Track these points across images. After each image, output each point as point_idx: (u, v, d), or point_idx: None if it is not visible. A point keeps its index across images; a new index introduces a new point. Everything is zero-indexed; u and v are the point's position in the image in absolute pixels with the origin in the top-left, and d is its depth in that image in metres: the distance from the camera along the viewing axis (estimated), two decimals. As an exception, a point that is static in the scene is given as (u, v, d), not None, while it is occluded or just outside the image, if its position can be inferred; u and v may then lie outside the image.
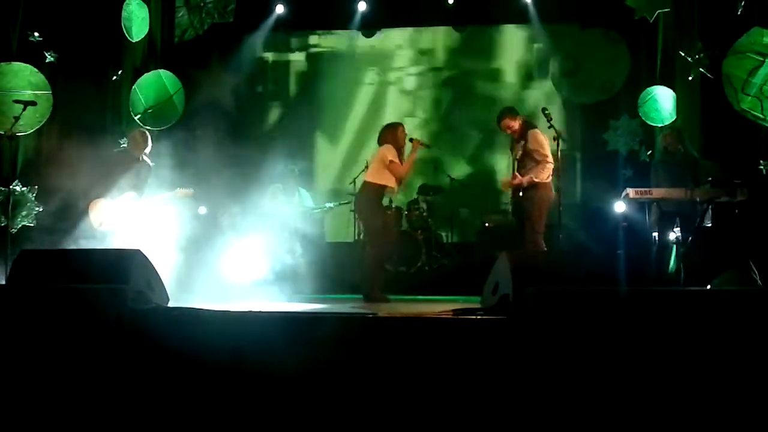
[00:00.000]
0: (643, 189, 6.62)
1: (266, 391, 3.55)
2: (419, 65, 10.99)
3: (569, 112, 10.25)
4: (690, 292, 4.31)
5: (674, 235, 6.78)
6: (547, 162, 6.32)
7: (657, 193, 6.57)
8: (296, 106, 11.17)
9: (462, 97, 10.81)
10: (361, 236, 7.29)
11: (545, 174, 6.31)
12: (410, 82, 10.98)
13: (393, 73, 11.02)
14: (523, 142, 6.39)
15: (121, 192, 6.83)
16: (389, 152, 6.43)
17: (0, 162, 7.47)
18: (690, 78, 7.85)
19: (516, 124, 6.52)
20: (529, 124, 6.55)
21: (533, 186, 6.31)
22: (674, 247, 6.82)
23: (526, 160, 6.35)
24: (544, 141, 6.40)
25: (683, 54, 7.90)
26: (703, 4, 7.78)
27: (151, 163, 7.13)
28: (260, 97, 11.22)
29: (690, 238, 6.51)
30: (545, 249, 6.21)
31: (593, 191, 9.11)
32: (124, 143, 8.28)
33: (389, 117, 10.80)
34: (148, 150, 7.11)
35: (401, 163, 6.46)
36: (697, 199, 6.47)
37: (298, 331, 3.81)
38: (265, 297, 6.47)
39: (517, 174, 6.35)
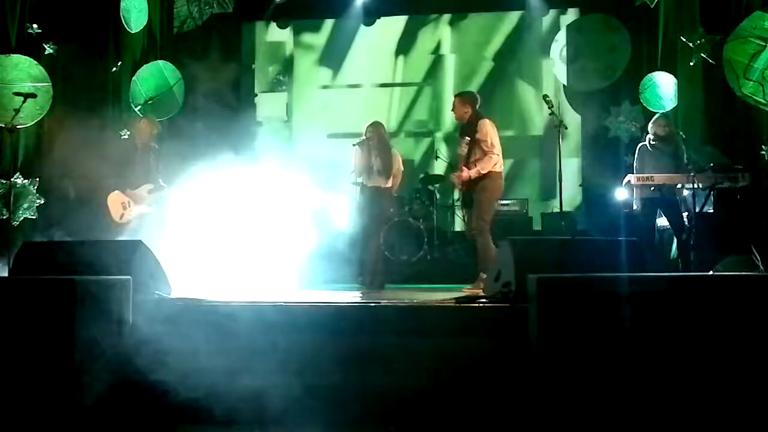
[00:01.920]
0: (644, 175, 6.61)
1: (269, 380, 3.56)
2: (419, 53, 10.95)
3: (570, 98, 10.23)
4: (692, 277, 4.31)
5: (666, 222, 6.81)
6: (493, 153, 6.08)
7: (658, 179, 6.56)
8: (297, 95, 11.15)
9: (462, 84, 10.77)
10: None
11: (490, 165, 6.08)
12: (410, 70, 10.94)
13: (392, 60, 10.98)
14: (473, 132, 6.17)
15: (137, 183, 6.77)
16: None
17: (1, 154, 7.48)
18: (691, 63, 7.83)
19: (468, 112, 6.27)
20: (479, 114, 6.30)
21: (485, 176, 6.09)
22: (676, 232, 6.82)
23: (475, 150, 6.13)
24: (491, 131, 6.15)
25: (684, 39, 7.87)
26: (704, -12, 7.77)
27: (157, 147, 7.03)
28: (260, 86, 11.19)
29: (689, 224, 6.51)
30: (491, 239, 6.09)
31: (594, 178, 9.09)
32: (124, 134, 8.28)
33: (389, 105, 10.84)
34: (154, 136, 7.03)
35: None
36: (699, 185, 6.46)
37: (301, 321, 3.82)
38: (267, 286, 6.48)
39: (464, 168, 6.15)
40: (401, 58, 10.97)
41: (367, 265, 6.84)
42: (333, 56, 11.07)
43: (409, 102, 10.87)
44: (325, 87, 11.04)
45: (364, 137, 6.74)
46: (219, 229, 7.60)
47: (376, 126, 6.80)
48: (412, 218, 9.02)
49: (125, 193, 6.70)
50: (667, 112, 8.09)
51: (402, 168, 7.24)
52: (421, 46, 10.96)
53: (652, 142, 6.88)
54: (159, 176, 6.90)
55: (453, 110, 6.42)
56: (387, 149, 6.78)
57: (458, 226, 9.90)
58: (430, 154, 10.39)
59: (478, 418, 3.47)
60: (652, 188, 6.63)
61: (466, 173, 6.11)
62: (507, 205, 9.17)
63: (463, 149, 6.23)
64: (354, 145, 6.86)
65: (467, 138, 6.20)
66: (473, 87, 10.68)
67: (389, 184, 6.81)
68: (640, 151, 6.95)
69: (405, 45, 10.98)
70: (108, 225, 6.64)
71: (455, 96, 6.52)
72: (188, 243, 6.45)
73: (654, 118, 7.11)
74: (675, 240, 6.90)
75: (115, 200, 6.68)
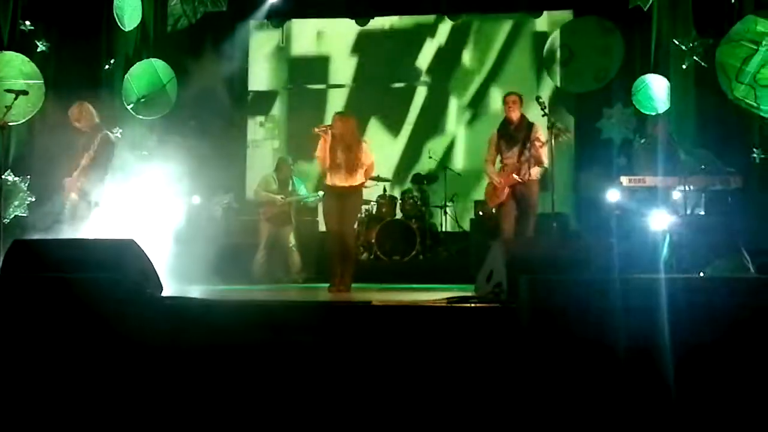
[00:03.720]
0: (636, 177, 6.63)
1: (261, 379, 3.55)
2: (412, 53, 10.95)
3: (563, 100, 10.24)
4: (683, 279, 4.33)
5: (663, 222, 6.81)
6: (545, 156, 6.35)
7: (650, 181, 6.58)
8: (289, 94, 11.13)
9: (455, 85, 10.79)
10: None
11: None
12: (403, 71, 10.93)
13: (386, 60, 10.97)
14: (526, 133, 6.33)
15: (80, 171, 6.43)
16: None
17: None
18: (684, 66, 7.86)
19: (520, 113, 6.45)
20: (525, 116, 6.52)
21: (535, 181, 6.35)
22: (667, 234, 6.84)
23: (528, 152, 6.29)
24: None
25: (677, 42, 7.90)
26: (697, -8, 7.80)
27: (107, 134, 6.63)
28: (252, 85, 11.17)
29: (682, 226, 6.54)
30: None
31: (587, 180, 9.11)
32: (116, 132, 8.25)
33: (382, 105, 10.83)
34: (92, 122, 6.59)
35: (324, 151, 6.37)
36: (691, 187, 6.49)
37: (291, 319, 3.82)
38: (258, 285, 6.49)
39: (518, 170, 6.29)
40: (394, 57, 10.95)
41: (332, 266, 6.46)
42: (326, 55, 11.05)
43: (402, 102, 10.87)
44: (317, 86, 11.03)
45: (326, 126, 6.36)
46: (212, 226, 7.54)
47: (343, 119, 6.43)
48: (404, 218, 9.02)
49: (70, 179, 6.46)
50: (662, 114, 8.12)
51: (373, 161, 6.55)
52: (415, 46, 10.94)
53: (648, 144, 6.92)
54: (108, 163, 6.51)
55: (512, 109, 6.38)
56: (355, 144, 6.34)
57: (450, 225, 9.91)
58: (423, 153, 10.38)
59: (469, 417, 3.47)
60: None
61: (536, 170, 6.30)
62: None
63: (513, 152, 6.36)
64: (315, 130, 6.42)
65: (516, 139, 6.34)
66: (467, 88, 10.72)
67: (356, 182, 6.38)
68: (636, 152, 6.99)
69: (398, 45, 10.96)
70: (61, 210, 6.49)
71: (515, 95, 6.47)
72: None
73: (651, 119, 7.13)
74: (666, 241, 6.92)
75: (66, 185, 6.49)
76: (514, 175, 6.31)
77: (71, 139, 6.72)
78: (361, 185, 6.50)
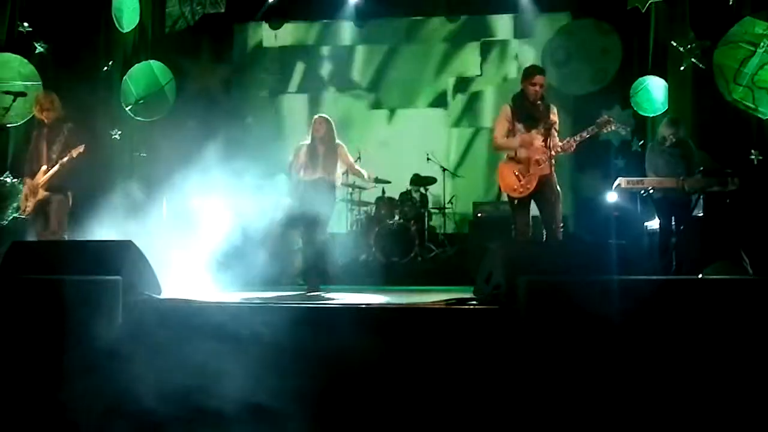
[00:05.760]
0: (634, 179, 6.64)
1: (258, 382, 3.55)
2: (411, 55, 10.96)
3: (561, 102, 10.22)
4: (682, 281, 4.33)
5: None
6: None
7: (648, 182, 6.59)
8: (288, 96, 11.13)
9: (453, 87, 10.79)
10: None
11: None
12: (402, 73, 10.94)
13: (384, 63, 10.98)
14: (546, 115, 5.88)
15: (37, 168, 6.21)
16: None
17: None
18: (682, 68, 7.88)
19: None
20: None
21: (552, 170, 5.89)
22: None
23: (550, 135, 5.83)
24: None
25: (675, 44, 7.91)
26: (695, -6, 7.82)
27: (72, 125, 6.33)
28: (252, 87, 11.17)
29: (682, 228, 6.55)
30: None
31: (585, 181, 9.12)
32: (115, 134, 8.25)
33: (380, 107, 10.84)
34: (59, 113, 6.30)
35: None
36: (689, 189, 6.50)
37: (291, 322, 3.82)
38: (258, 287, 6.47)
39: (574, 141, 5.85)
40: (392, 59, 10.96)
41: (306, 261, 6.56)
42: (325, 57, 11.06)
43: (400, 104, 10.87)
44: (316, 88, 11.03)
45: (315, 134, 6.38)
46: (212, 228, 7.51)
47: (325, 120, 6.46)
48: (403, 220, 9.01)
49: (27, 182, 6.28)
50: (667, 114, 8.11)
51: (351, 159, 6.65)
52: (412, 47, 10.95)
53: (662, 146, 6.87)
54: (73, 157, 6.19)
55: (539, 87, 5.89)
56: (333, 142, 6.40)
57: (449, 227, 9.91)
58: (421, 155, 10.38)
59: (468, 419, 3.47)
60: (645, 191, 6.67)
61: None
62: (497, 206, 9.17)
63: (533, 136, 5.85)
64: (302, 144, 6.45)
65: (537, 121, 5.85)
66: (464, 89, 10.72)
67: (332, 178, 6.42)
68: (652, 155, 6.90)
69: (395, 47, 10.97)
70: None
71: (543, 74, 5.99)
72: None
73: (664, 122, 7.09)
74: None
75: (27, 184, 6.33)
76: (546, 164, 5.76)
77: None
78: (334, 181, 6.47)
